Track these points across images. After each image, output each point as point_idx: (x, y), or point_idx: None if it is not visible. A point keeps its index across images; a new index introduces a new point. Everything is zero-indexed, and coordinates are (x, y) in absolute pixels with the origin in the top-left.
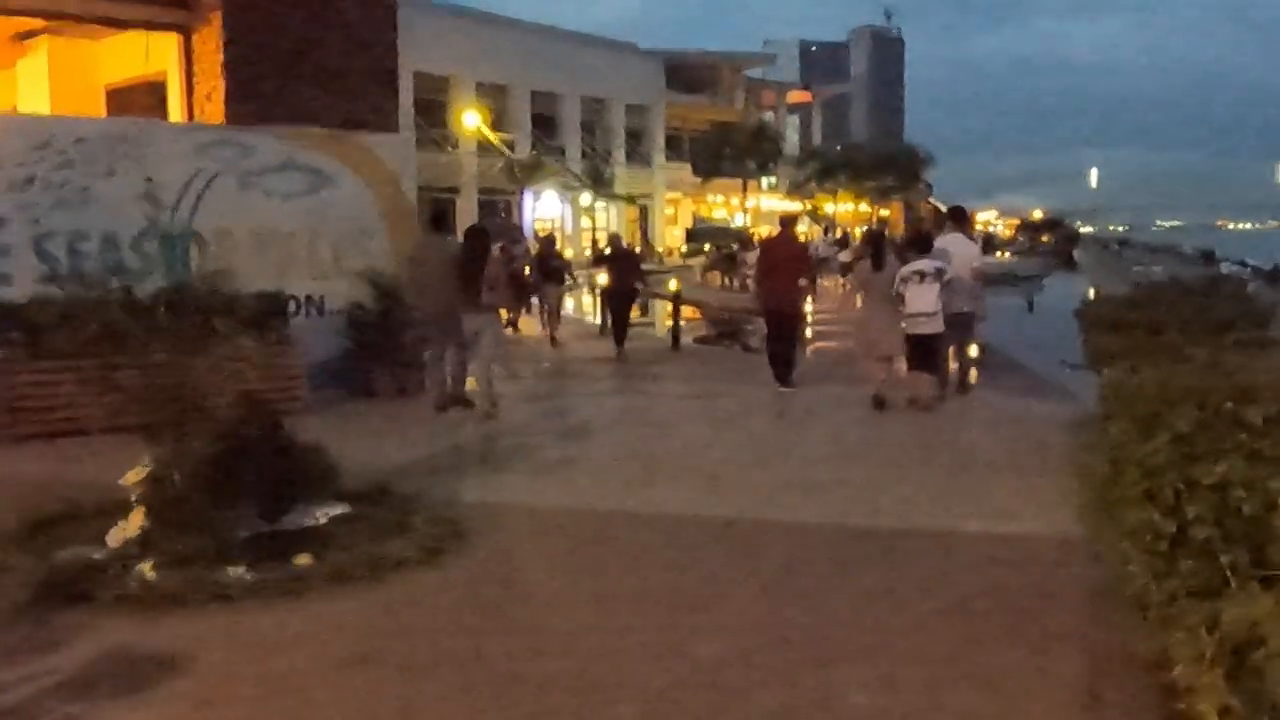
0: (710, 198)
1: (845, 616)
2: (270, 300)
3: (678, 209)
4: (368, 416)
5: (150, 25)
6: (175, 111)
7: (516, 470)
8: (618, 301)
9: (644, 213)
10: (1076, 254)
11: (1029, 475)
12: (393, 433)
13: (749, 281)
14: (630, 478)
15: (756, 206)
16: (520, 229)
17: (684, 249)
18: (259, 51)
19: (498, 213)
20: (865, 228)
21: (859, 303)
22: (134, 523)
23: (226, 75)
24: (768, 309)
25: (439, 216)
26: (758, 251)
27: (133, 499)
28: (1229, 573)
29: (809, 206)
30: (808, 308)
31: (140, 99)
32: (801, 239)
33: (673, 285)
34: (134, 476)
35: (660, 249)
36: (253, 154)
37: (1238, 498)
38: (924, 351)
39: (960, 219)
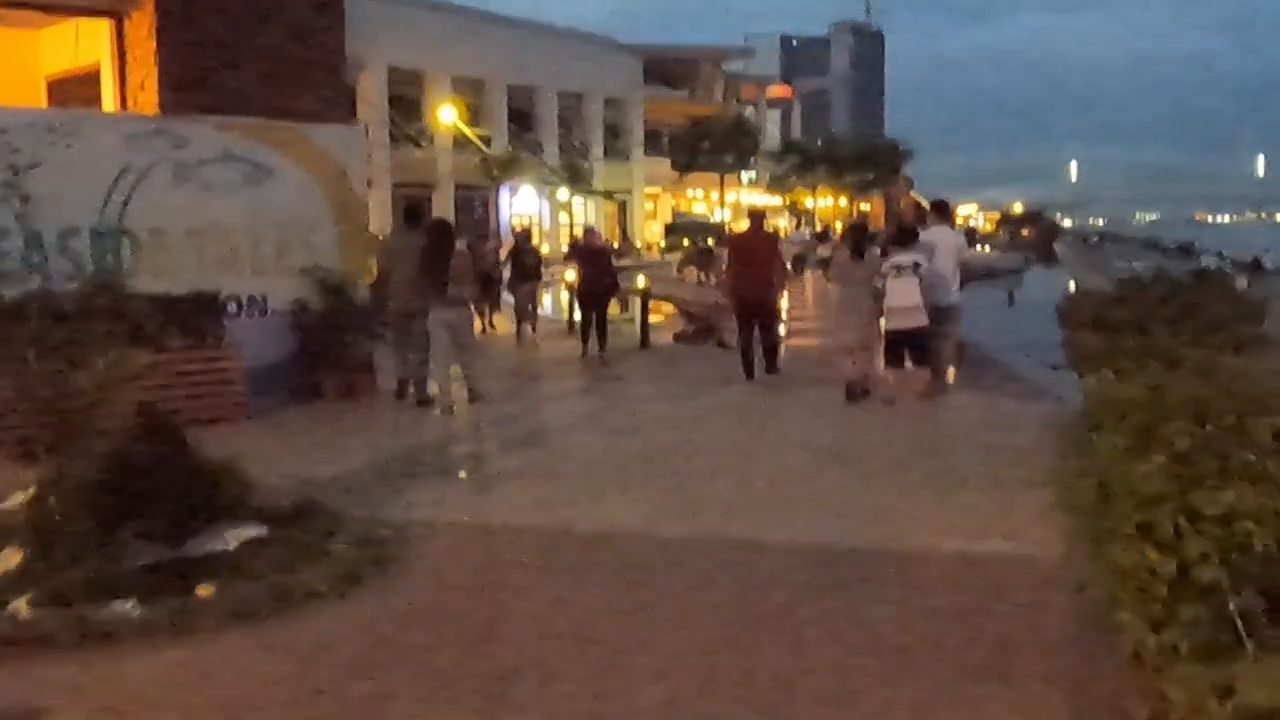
0: (690, 192)
1: (808, 656)
2: (204, 300)
3: (657, 204)
4: (312, 422)
5: (80, 10)
6: (109, 102)
7: (458, 482)
8: (591, 301)
9: (623, 208)
10: (1057, 247)
11: (1009, 486)
12: (335, 439)
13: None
14: (584, 490)
15: (736, 201)
16: (487, 225)
17: (663, 244)
18: (194, 37)
19: (474, 209)
20: (847, 221)
21: (836, 294)
22: (11, 554)
23: (160, 63)
24: (739, 303)
25: (413, 211)
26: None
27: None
28: (1239, 622)
29: (788, 201)
30: (782, 303)
31: (81, 90)
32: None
33: (640, 282)
34: (14, 502)
35: (639, 244)
36: (188, 146)
37: (1247, 531)
38: (907, 346)
39: (944, 212)
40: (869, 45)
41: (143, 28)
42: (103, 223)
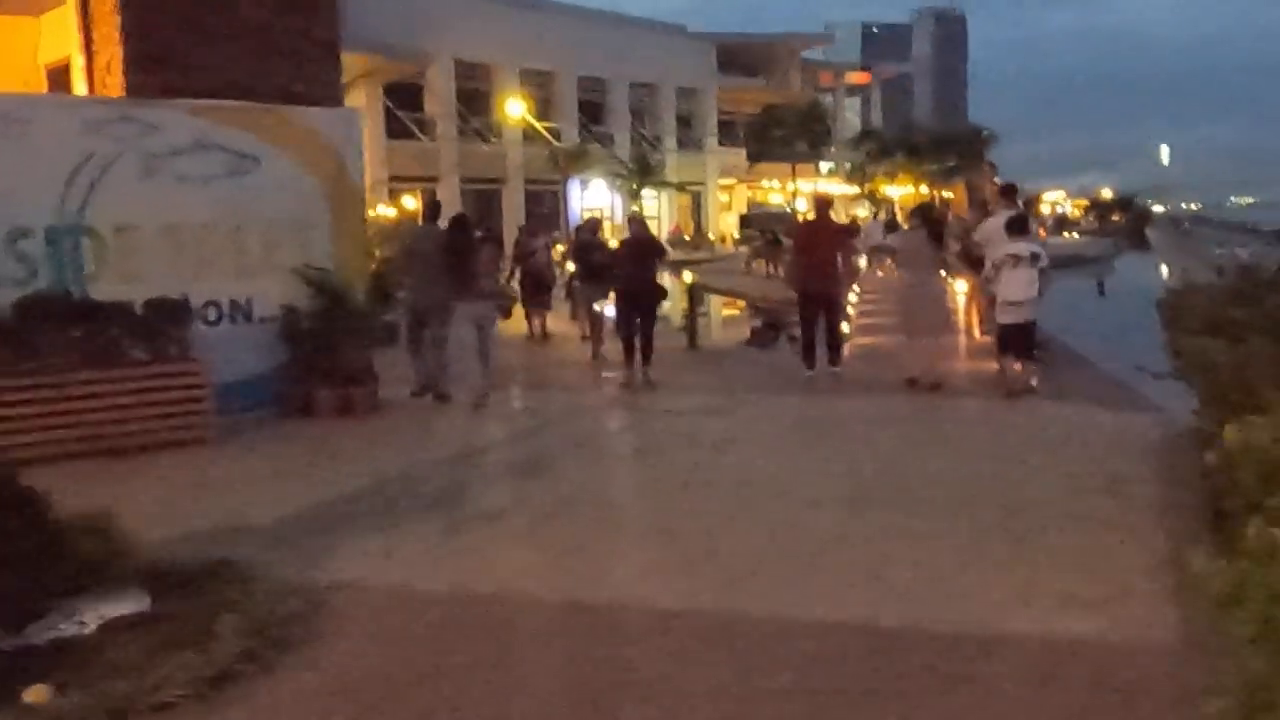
0: (766, 183)
1: None
2: (168, 307)
3: (732, 195)
4: (288, 445)
5: None
6: (79, 87)
7: (423, 526)
8: (631, 304)
9: (697, 200)
10: (1149, 233)
11: (1098, 530)
12: (305, 468)
13: None
14: (563, 541)
15: (814, 191)
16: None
17: (737, 236)
18: (163, 9)
19: (543, 204)
20: (913, 206)
21: (904, 281)
22: None
23: (125, 39)
24: (802, 292)
25: (434, 206)
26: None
27: None
28: None
29: (867, 190)
30: (853, 297)
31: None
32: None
33: (688, 276)
34: None
35: (713, 237)
36: (159, 132)
37: None
38: (1019, 339)
39: (1011, 196)
40: (952, 30)
41: (107, 1)
42: (60, 221)
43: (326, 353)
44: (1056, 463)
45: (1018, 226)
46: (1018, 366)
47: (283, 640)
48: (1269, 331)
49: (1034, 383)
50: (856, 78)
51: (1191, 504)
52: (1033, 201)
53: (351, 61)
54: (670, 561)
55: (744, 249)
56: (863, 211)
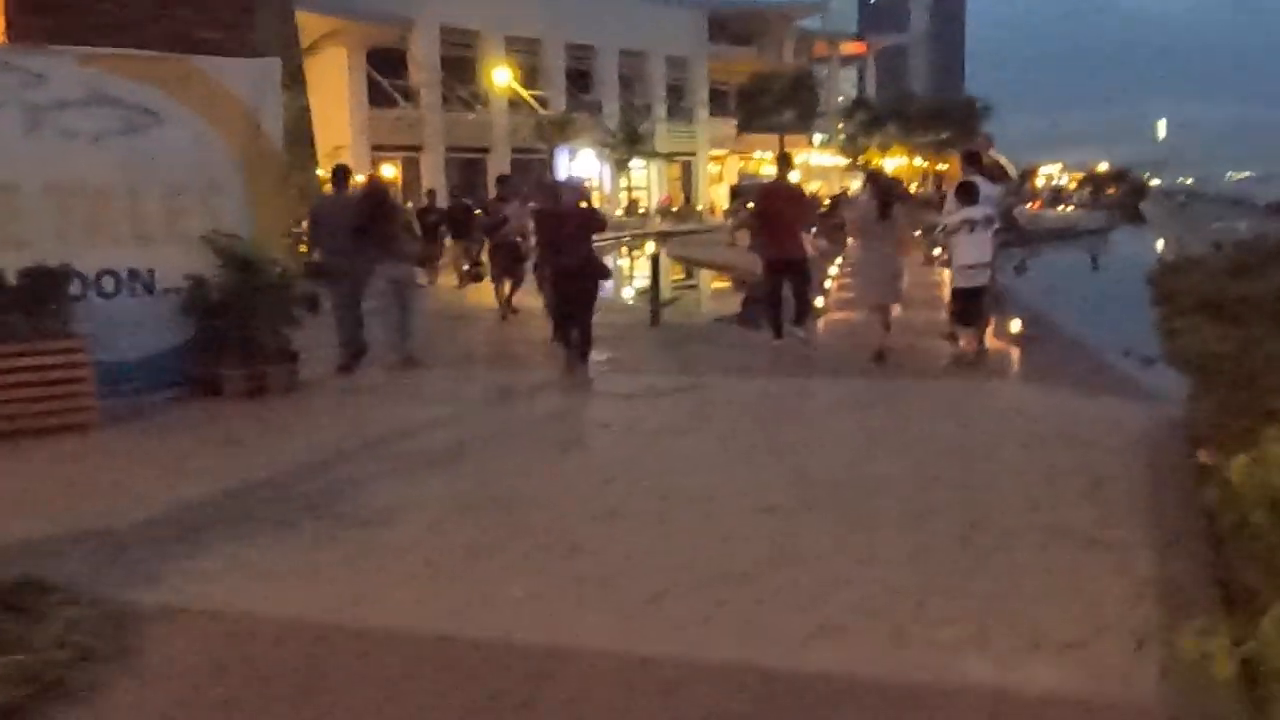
0: (758, 154)
1: None
2: (44, 279)
3: (723, 166)
4: (181, 432)
5: None
6: None
7: (294, 533)
8: (566, 286)
9: (687, 170)
10: (1144, 207)
11: (1075, 546)
12: (189, 459)
13: None
14: (449, 554)
15: (806, 162)
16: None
17: (726, 207)
18: None
19: (532, 173)
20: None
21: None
22: None
23: None
24: (766, 259)
25: (341, 172)
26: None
27: None
28: None
29: (860, 161)
30: (832, 270)
31: None
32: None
33: (650, 247)
34: None
35: (701, 207)
36: (44, 83)
37: None
38: (975, 304)
39: (975, 161)
40: (950, 1)
41: None
42: None
43: (238, 328)
44: (1032, 459)
45: (967, 193)
46: (970, 335)
47: (61, 686)
48: (1274, 314)
49: (976, 349)
50: (851, 48)
51: (1182, 513)
52: (1028, 174)
53: (316, 22)
54: (570, 583)
55: (731, 221)
56: (855, 183)
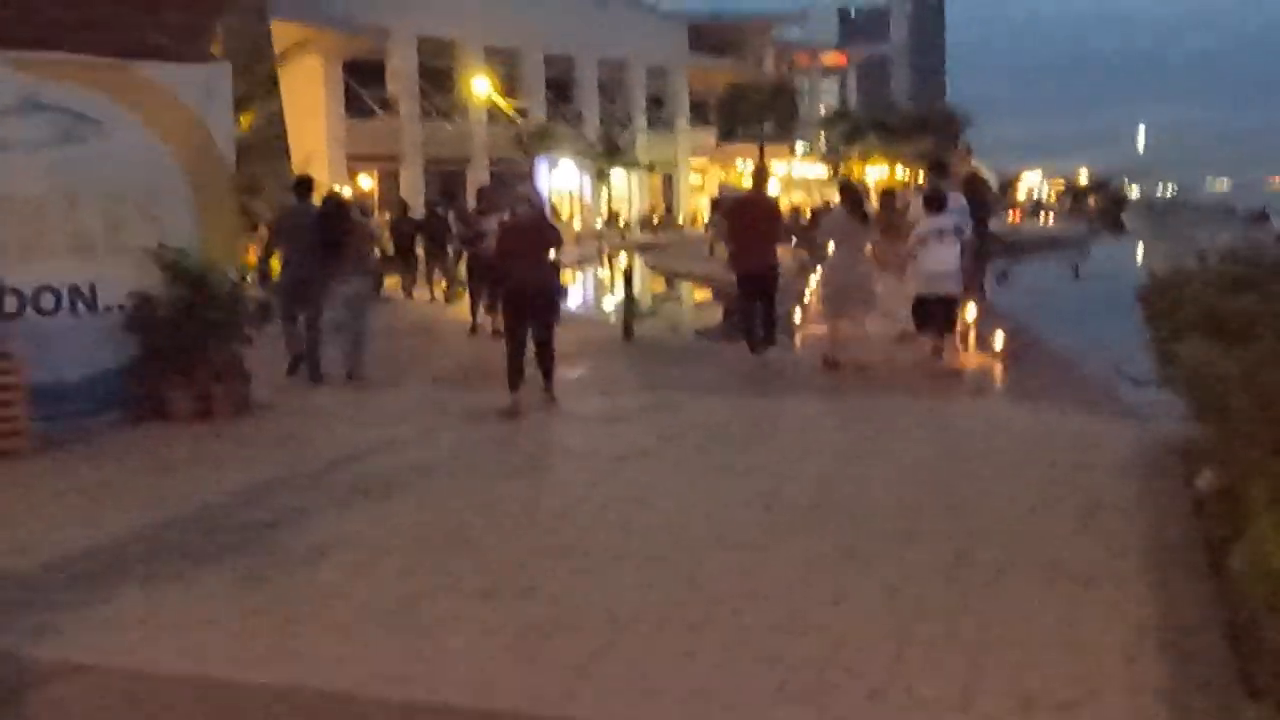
0: (740, 164)
1: None
2: None
3: (705, 177)
4: (118, 458)
5: None
6: None
7: (214, 575)
8: (520, 306)
9: (668, 181)
10: (1125, 217)
11: (1067, 584)
12: (118, 489)
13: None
14: (378, 600)
15: (788, 173)
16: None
17: (708, 219)
18: None
19: (506, 182)
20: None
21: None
22: None
23: None
24: (740, 273)
25: (304, 183)
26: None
27: None
28: None
29: (842, 172)
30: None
31: None
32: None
33: (623, 259)
34: None
35: (681, 219)
36: None
37: None
38: (940, 314)
39: (942, 172)
40: (929, 12)
41: None
42: None
43: (184, 347)
44: (1018, 484)
45: (934, 204)
46: (936, 342)
47: None
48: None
49: (946, 359)
50: (832, 59)
51: (1182, 547)
52: (1010, 184)
53: (291, 30)
54: (513, 634)
55: (710, 232)
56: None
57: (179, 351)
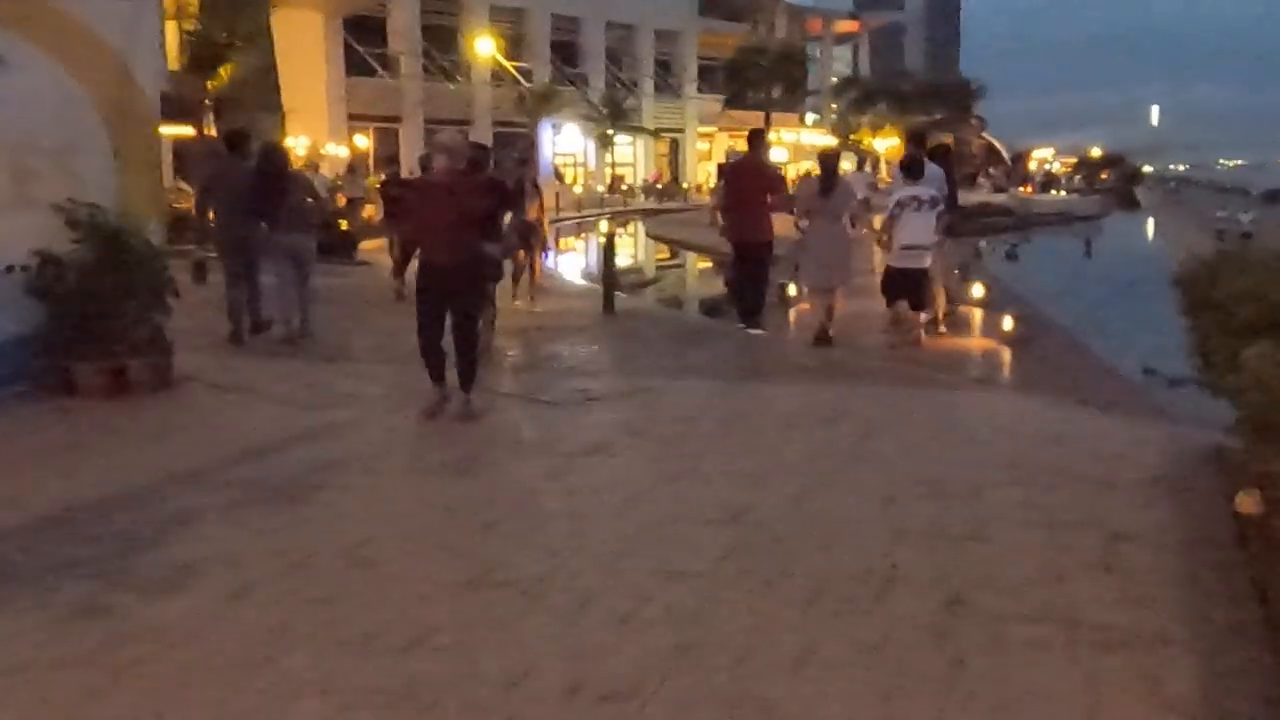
0: (747, 131)
1: None
2: None
3: (712, 144)
4: (14, 442)
5: None
6: None
7: (41, 608)
8: (439, 287)
9: (675, 147)
10: (1138, 193)
11: (1087, 649)
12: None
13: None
14: (250, 636)
15: (797, 141)
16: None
17: (713, 186)
18: None
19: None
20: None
21: (801, 228)
22: None
23: None
24: (734, 241)
25: (238, 136)
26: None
27: None
28: None
29: (852, 141)
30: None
31: None
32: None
33: (604, 226)
34: None
35: (686, 185)
36: None
37: None
38: (912, 288)
39: (919, 143)
40: None
41: None
42: None
43: (97, 315)
44: (1028, 502)
45: (912, 169)
46: (910, 316)
47: None
48: None
49: (922, 335)
50: (845, 26)
51: (1223, 593)
52: (1022, 158)
53: None
54: (391, 695)
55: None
56: (846, 164)
57: (89, 320)
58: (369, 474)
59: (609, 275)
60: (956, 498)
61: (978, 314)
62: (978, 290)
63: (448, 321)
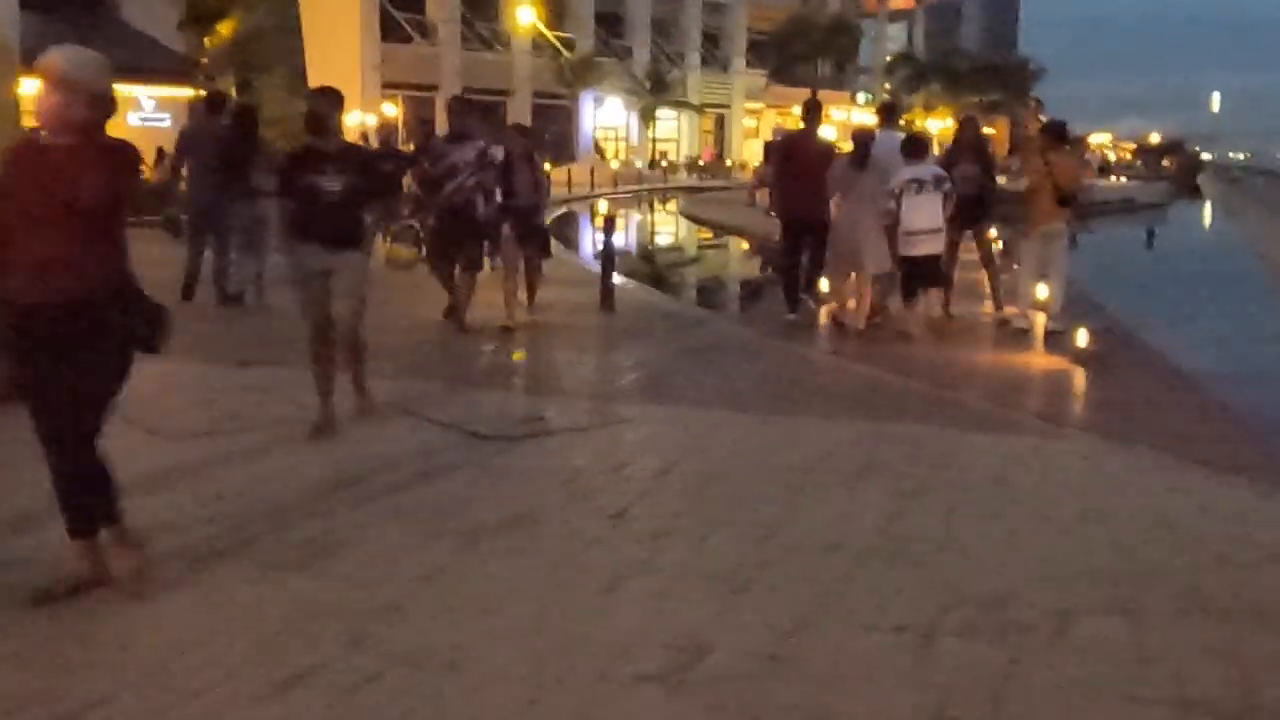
0: (796, 109)
1: None
2: None
3: (760, 120)
4: None
5: None
6: None
7: None
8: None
9: (721, 123)
10: (1201, 181)
11: None
12: None
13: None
14: None
15: (848, 120)
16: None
17: (759, 164)
18: None
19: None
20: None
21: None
22: None
23: None
24: (786, 218)
25: (215, 100)
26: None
27: None
28: None
29: (904, 122)
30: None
31: None
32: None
33: (602, 206)
34: None
35: (730, 162)
36: None
37: None
38: (921, 276)
39: (889, 115)
40: None
41: None
42: None
43: None
44: (1140, 649)
45: (914, 148)
46: (920, 308)
47: None
48: None
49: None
50: (900, 2)
51: None
52: (1081, 141)
53: None
54: None
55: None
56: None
57: None
58: (268, 536)
59: (607, 266)
60: (1029, 631)
61: (1040, 320)
62: (1042, 292)
63: None
